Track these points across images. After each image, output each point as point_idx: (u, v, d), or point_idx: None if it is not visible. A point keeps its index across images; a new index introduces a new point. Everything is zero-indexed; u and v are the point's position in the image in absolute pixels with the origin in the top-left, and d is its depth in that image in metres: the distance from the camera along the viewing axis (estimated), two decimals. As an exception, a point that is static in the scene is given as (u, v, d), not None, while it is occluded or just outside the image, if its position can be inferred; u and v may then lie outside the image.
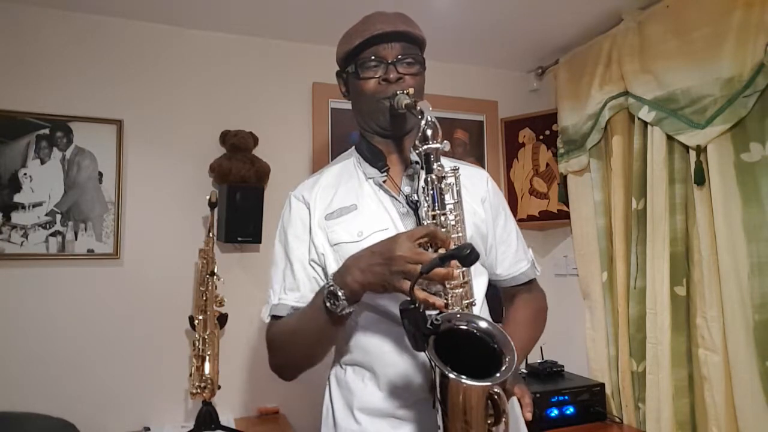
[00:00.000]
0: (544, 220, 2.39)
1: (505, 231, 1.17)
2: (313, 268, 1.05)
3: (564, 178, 2.30)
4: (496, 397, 0.79)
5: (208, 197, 1.85)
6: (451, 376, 0.76)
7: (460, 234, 0.93)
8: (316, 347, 1.01)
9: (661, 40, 1.82)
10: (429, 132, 0.91)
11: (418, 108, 0.94)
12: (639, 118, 1.90)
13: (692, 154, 1.73)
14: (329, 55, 2.45)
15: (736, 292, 1.60)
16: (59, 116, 1.85)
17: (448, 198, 0.92)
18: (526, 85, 2.59)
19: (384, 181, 1.08)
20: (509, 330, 1.10)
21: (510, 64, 2.52)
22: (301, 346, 1.01)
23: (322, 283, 1.03)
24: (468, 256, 0.76)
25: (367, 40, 1.03)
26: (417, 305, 0.81)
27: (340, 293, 0.88)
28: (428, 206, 0.92)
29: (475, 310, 0.96)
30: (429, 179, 0.91)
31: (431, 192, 0.91)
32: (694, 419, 1.79)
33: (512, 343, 0.81)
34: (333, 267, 1.02)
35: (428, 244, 0.87)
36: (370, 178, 1.09)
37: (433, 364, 0.81)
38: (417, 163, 1.08)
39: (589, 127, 2.11)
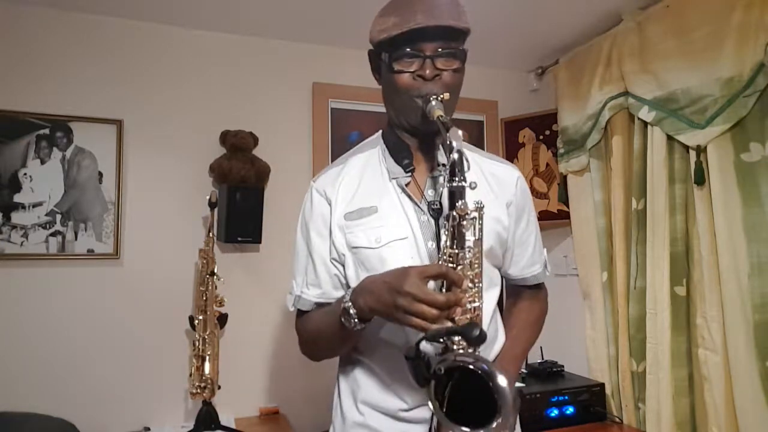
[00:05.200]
0: (544, 220, 2.39)
1: (526, 233, 1.13)
2: (335, 265, 1.05)
3: (564, 178, 2.29)
4: None
5: (208, 197, 1.85)
6: (448, 424, 0.79)
7: (477, 270, 0.91)
8: (336, 347, 1.06)
9: (661, 40, 1.82)
10: (456, 164, 0.87)
11: (449, 141, 0.88)
12: (639, 118, 1.90)
13: (692, 154, 1.73)
14: (329, 55, 2.45)
15: (736, 292, 1.60)
16: (59, 116, 1.85)
17: (468, 235, 0.89)
18: (526, 85, 2.59)
19: (407, 184, 1.03)
20: (510, 332, 1.09)
21: (510, 64, 2.52)
22: (324, 344, 1.05)
23: (343, 280, 1.04)
24: (477, 338, 0.76)
25: (407, 32, 0.94)
26: (422, 357, 0.83)
27: (352, 312, 0.90)
28: (446, 242, 0.89)
29: (485, 321, 0.97)
30: (451, 216, 0.88)
31: (451, 229, 0.88)
32: (694, 419, 1.79)
33: (511, 396, 0.79)
34: (351, 267, 1.02)
35: (441, 283, 0.87)
36: (394, 178, 1.04)
37: (432, 404, 0.83)
38: (444, 165, 1.02)
39: (589, 127, 2.11)
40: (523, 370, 2.19)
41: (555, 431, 1.89)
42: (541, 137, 2.41)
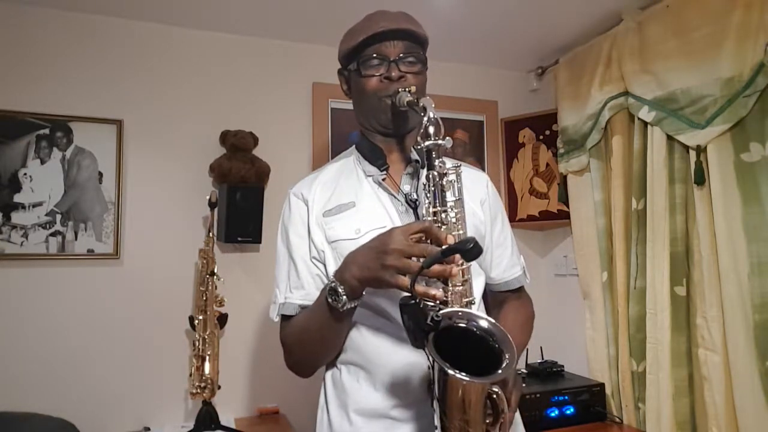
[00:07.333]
0: (544, 220, 2.39)
1: (502, 235, 1.17)
2: (315, 265, 1.05)
3: (564, 178, 2.29)
4: (495, 396, 0.78)
5: (208, 197, 1.85)
6: (451, 372, 0.75)
7: (461, 231, 0.92)
8: (325, 345, 1.02)
9: (661, 40, 1.82)
10: (431, 129, 0.89)
11: (421, 104, 0.93)
12: (639, 118, 1.90)
13: (692, 154, 1.73)
14: (329, 55, 2.44)
15: (736, 292, 1.60)
16: (59, 116, 1.85)
17: (449, 195, 0.91)
18: (526, 85, 2.59)
19: (383, 179, 1.07)
20: None
21: (510, 64, 2.52)
22: (311, 344, 1.02)
23: (325, 280, 1.04)
24: (471, 250, 0.74)
25: (370, 37, 1.03)
26: (417, 300, 0.79)
27: (340, 289, 0.88)
28: (429, 203, 0.90)
29: (473, 310, 0.95)
30: (430, 176, 0.90)
31: (432, 189, 0.90)
32: (694, 419, 1.79)
33: (512, 342, 0.80)
34: (331, 264, 1.02)
35: (425, 241, 0.85)
36: (370, 175, 1.08)
37: (432, 361, 0.80)
38: (417, 161, 1.08)
39: (589, 127, 2.11)
40: (523, 370, 2.19)
41: (555, 431, 1.89)
42: (541, 137, 2.42)
